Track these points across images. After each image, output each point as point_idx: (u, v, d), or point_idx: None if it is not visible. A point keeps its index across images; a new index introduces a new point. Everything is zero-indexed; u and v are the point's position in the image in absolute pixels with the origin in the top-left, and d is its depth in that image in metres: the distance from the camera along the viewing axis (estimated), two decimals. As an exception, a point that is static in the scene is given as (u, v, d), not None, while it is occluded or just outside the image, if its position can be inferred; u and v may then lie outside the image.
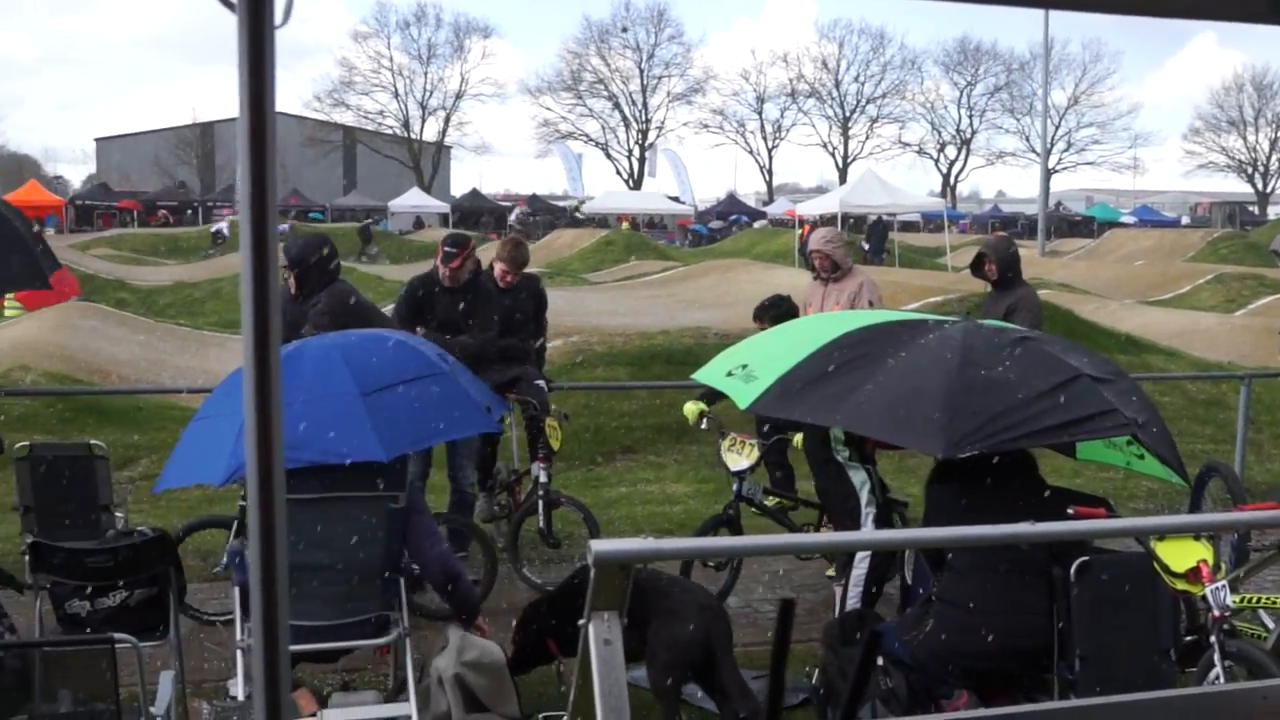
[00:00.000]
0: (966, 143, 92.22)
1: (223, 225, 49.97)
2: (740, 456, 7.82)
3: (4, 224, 7.82)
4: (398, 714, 5.42)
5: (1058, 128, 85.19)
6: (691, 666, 5.44)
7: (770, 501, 8.15)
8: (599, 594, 3.74)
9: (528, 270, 8.96)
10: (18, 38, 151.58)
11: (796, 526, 8.14)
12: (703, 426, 8.17)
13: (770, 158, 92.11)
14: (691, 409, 8.14)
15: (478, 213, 68.42)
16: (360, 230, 49.02)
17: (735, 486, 7.84)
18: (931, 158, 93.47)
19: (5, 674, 4.84)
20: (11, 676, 5.00)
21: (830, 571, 8.05)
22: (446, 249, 8.20)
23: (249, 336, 1.97)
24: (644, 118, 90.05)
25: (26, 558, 6.97)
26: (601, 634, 3.75)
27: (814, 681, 5.88)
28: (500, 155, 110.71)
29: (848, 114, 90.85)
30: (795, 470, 8.64)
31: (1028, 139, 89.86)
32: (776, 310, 8.17)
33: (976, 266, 9.03)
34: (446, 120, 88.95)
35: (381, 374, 5.52)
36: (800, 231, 37.92)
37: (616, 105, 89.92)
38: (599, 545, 3.61)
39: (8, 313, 17.30)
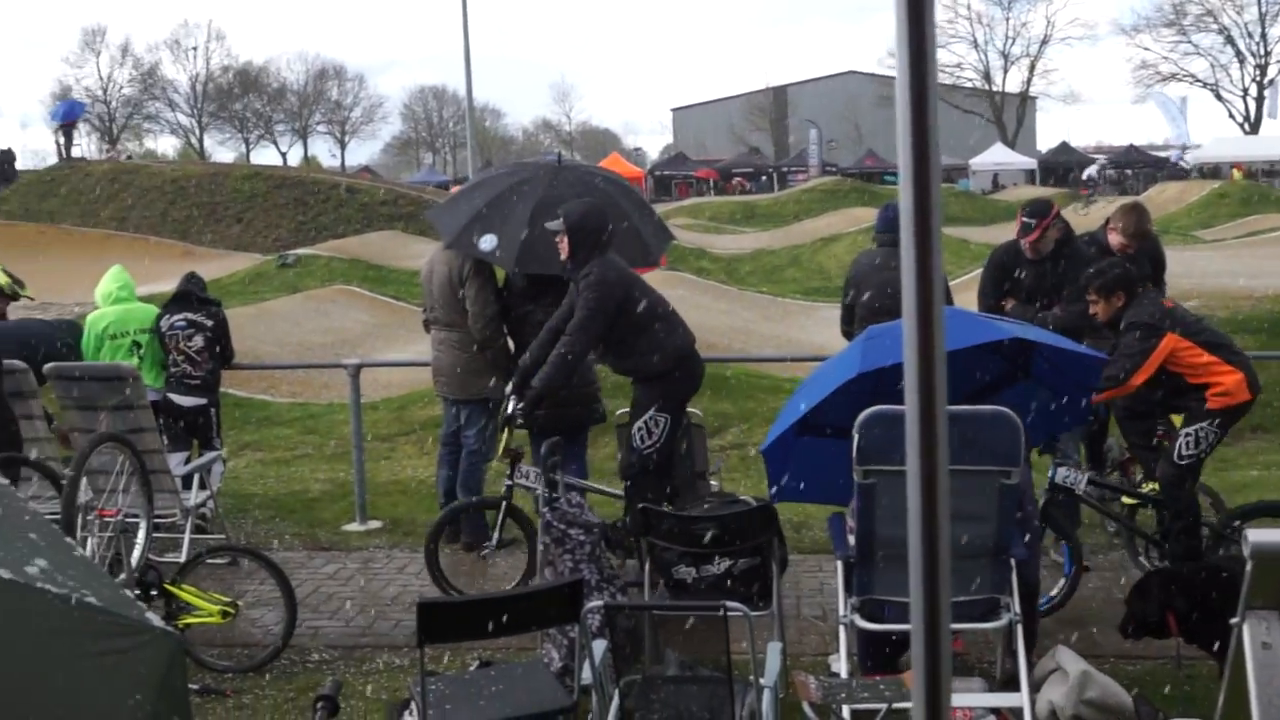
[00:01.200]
0: None
1: None
2: None
3: (613, 204, 8.46)
4: (1009, 704, 5.36)
5: None
6: None
7: (1124, 501, 7.37)
8: (1256, 590, 3.50)
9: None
10: (595, 18, 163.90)
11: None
12: None
13: None
14: None
15: (1067, 168, 66.18)
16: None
17: (1049, 472, 7.16)
18: None
19: (618, 633, 5.25)
20: (624, 636, 5.42)
21: None
22: (1025, 220, 7.98)
23: (910, 305, 1.98)
24: (1262, 51, 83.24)
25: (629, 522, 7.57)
26: (1259, 636, 3.51)
27: None
28: (1091, 104, 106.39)
29: None
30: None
31: None
32: None
33: None
34: (1031, 69, 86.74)
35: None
36: None
37: (1229, 39, 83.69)
38: (1258, 536, 3.38)
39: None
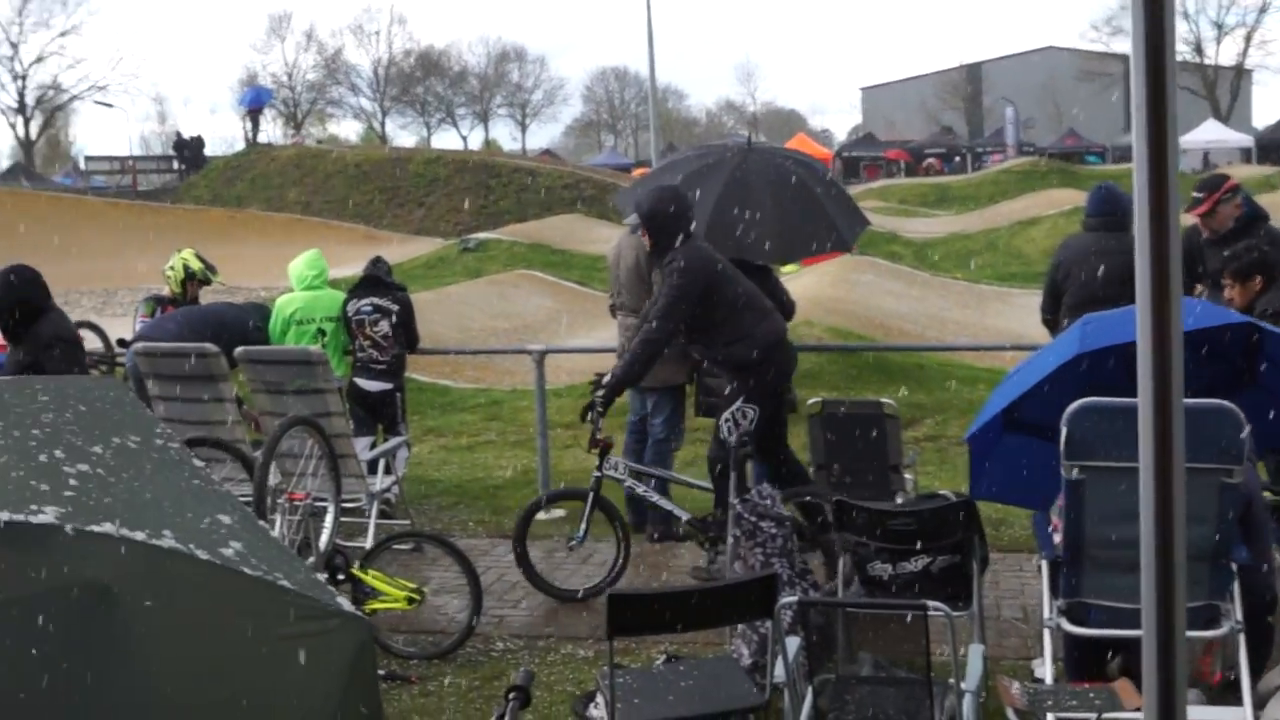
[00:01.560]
0: None
1: None
2: None
3: (802, 187, 8.42)
4: (1229, 719, 5.17)
5: None
6: None
7: None
8: None
9: None
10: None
11: None
12: None
13: None
14: None
15: (1286, 145, 63.53)
16: None
17: None
18: None
19: (810, 630, 5.21)
20: (816, 634, 5.38)
21: None
22: (1194, 194, 7.75)
23: (1145, 288, 1.92)
24: None
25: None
26: None
27: None
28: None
29: None
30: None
31: None
32: None
33: None
34: (1247, 39, 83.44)
35: None
36: None
37: None
38: None
39: (786, 268, 18.65)
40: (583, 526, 7.73)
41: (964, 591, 5.81)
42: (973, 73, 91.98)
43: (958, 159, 71.52)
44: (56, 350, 7.24)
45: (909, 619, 4.85)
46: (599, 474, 7.71)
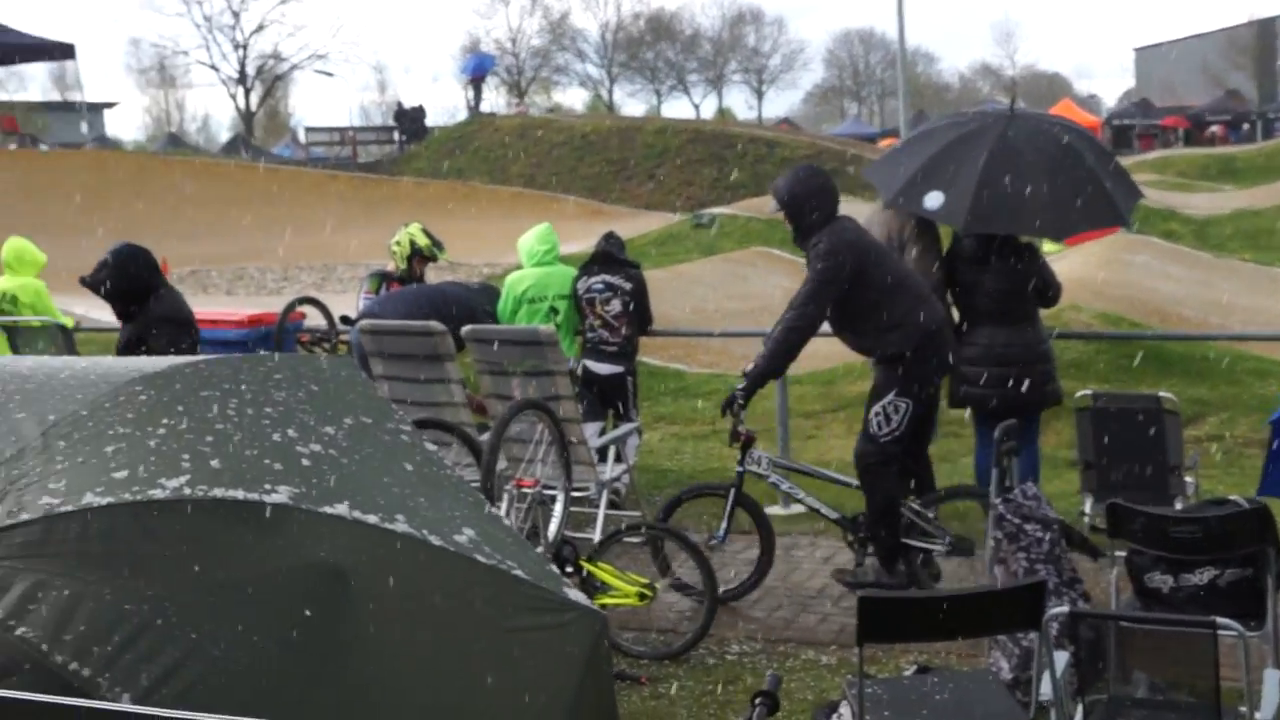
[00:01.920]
0: None
1: None
2: None
3: (1075, 157, 8.21)
4: None
5: None
6: None
7: None
8: None
9: None
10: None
11: None
12: None
13: None
14: None
15: None
16: None
17: None
18: None
19: (1079, 645, 5.09)
20: (1085, 648, 5.25)
21: None
22: None
23: None
24: None
25: (1084, 519, 7.35)
26: None
27: None
28: None
29: None
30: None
31: None
32: None
33: None
34: None
35: None
36: None
37: None
38: None
39: (1049, 247, 18.25)
40: (724, 524, 7.75)
41: (1256, 609, 5.61)
42: (1265, 29, 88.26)
43: (1245, 126, 68.97)
44: (161, 330, 7.63)
45: (1193, 637, 4.68)
46: (741, 469, 7.73)
